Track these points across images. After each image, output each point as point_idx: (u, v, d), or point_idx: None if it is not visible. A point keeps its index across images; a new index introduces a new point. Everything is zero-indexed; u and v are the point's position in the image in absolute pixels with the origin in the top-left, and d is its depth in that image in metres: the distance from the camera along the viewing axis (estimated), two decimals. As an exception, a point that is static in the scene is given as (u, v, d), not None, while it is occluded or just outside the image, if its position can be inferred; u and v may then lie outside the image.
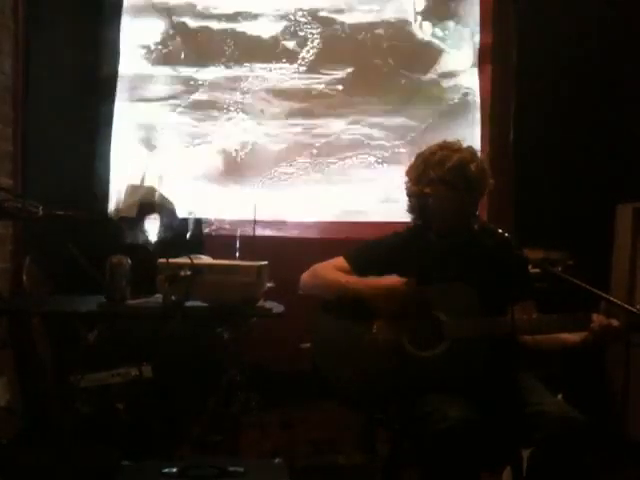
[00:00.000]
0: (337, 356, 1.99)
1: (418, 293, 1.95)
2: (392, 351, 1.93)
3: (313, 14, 3.60)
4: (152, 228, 2.89)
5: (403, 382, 1.92)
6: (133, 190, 3.30)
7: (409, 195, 2.08)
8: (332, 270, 2.04)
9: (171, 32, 3.59)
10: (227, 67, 3.60)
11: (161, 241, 2.87)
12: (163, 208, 3.10)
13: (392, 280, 1.94)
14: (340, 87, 3.60)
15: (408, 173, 2.09)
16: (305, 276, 2.09)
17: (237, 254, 2.81)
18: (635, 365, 2.95)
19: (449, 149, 2.02)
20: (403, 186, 2.10)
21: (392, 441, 2.04)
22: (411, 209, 2.09)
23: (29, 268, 2.63)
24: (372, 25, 3.60)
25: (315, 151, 3.61)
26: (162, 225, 2.91)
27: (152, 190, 3.31)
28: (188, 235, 3.15)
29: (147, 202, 3.09)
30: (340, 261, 2.06)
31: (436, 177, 1.98)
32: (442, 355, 1.91)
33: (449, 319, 1.92)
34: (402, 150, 3.58)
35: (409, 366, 1.92)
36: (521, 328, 1.88)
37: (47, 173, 3.17)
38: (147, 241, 2.87)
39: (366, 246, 2.12)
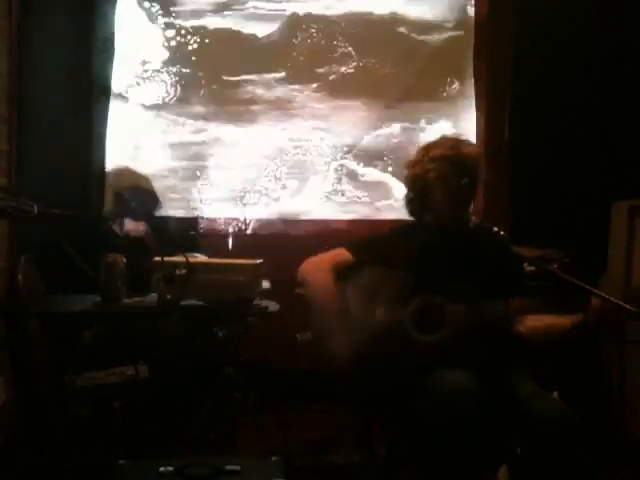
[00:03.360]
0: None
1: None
2: (396, 336, 1.96)
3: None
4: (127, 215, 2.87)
5: (406, 365, 1.94)
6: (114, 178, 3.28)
7: (408, 181, 2.12)
8: (325, 278, 2.04)
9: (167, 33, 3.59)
10: (226, 67, 3.59)
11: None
12: (136, 190, 3.04)
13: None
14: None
15: (408, 164, 2.14)
16: (301, 270, 2.10)
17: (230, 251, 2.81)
18: (631, 363, 2.95)
19: (447, 137, 2.13)
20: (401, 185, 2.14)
21: (389, 441, 2.04)
22: (409, 199, 2.13)
23: (24, 268, 2.61)
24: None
25: (312, 150, 3.61)
26: (137, 209, 2.88)
27: (125, 174, 3.28)
28: (184, 234, 3.14)
29: (119, 190, 3.03)
30: (342, 252, 2.08)
31: (437, 155, 2.05)
32: (445, 339, 1.93)
33: (450, 305, 1.95)
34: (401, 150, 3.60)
35: (413, 350, 1.95)
36: (520, 308, 1.91)
37: (42, 172, 3.16)
38: (138, 236, 2.86)
39: (368, 238, 2.17)
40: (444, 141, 2.11)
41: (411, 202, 2.14)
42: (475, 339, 1.93)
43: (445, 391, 1.80)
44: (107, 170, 3.44)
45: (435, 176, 2.04)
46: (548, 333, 2.00)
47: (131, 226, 2.89)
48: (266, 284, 2.48)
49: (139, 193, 3.00)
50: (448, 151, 2.05)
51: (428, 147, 2.11)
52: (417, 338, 1.96)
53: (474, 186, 2.07)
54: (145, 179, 3.30)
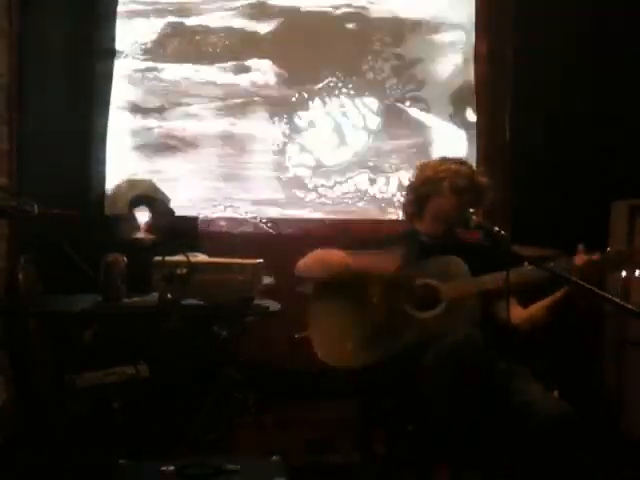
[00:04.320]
0: (339, 333, 2.05)
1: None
2: (395, 316, 2.01)
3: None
4: (144, 222, 2.86)
5: (406, 341, 1.98)
6: (130, 185, 3.27)
7: (417, 181, 2.19)
8: (334, 252, 2.11)
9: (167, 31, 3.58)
10: (222, 65, 3.59)
11: (157, 236, 2.85)
12: (155, 201, 3.05)
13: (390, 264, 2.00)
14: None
15: (421, 166, 2.22)
16: (304, 260, 2.15)
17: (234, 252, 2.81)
18: (630, 363, 2.95)
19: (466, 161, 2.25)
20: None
21: (390, 441, 2.05)
22: (408, 201, 2.21)
23: (24, 267, 2.61)
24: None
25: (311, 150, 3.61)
26: (155, 219, 2.88)
27: (145, 183, 3.28)
28: (183, 233, 3.14)
29: (138, 196, 3.04)
30: (336, 251, 2.13)
31: (455, 169, 2.14)
32: (441, 314, 1.99)
33: (443, 284, 2.02)
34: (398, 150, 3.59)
35: (412, 326, 2.00)
36: (512, 281, 1.91)
37: (43, 172, 3.16)
38: (140, 237, 2.85)
39: (364, 241, 2.24)
40: (464, 163, 2.21)
41: (409, 205, 2.21)
42: (472, 306, 2.00)
43: (447, 342, 1.85)
44: (125, 177, 3.42)
45: (449, 184, 2.11)
46: (534, 318, 2.06)
47: (141, 235, 2.89)
48: (268, 279, 2.49)
49: (159, 204, 3.02)
50: (467, 171, 2.15)
51: (446, 160, 2.19)
52: (416, 315, 2.01)
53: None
54: (163, 193, 3.30)
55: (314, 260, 2.14)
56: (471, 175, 2.14)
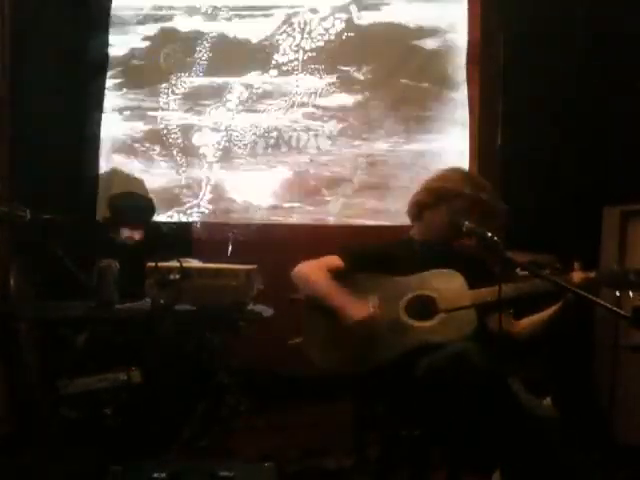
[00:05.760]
0: (333, 340, 2.04)
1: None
2: (392, 324, 2.01)
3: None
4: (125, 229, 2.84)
5: (402, 349, 1.98)
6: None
7: (431, 188, 2.17)
8: (319, 272, 2.10)
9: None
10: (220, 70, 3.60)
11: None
12: (130, 196, 3.02)
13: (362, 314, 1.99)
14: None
15: (440, 176, 2.20)
16: (297, 271, 2.14)
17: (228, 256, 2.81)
18: (624, 368, 2.95)
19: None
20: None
21: (382, 444, 2.05)
22: (416, 202, 2.20)
23: (16, 272, 2.60)
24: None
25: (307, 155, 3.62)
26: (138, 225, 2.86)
27: (118, 178, 3.26)
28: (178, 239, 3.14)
29: (116, 200, 3.01)
30: (333, 258, 2.13)
31: (475, 193, 2.12)
32: (438, 324, 1.99)
33: (441, 295, 2.03)
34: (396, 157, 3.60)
35: (409, 335, 2.00)
36: (507, 294, 1.95)
37: (35, 177, 3.15)
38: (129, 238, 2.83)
39: (360, 247, 2.23)
40: (488, 185, 2.18)
41: (413, 206, 2.20)
42: (469, 315, 1.99)
43: (441, 356, 1.85)
44: (100, 174, 3.42)
45: (451, 211, 2.09)
46: (532, 330, 2.08)
47: (128, 233, 2.87)
48: (268, 311, 2.49)
49: (133, 198, 2.98)
50: (488, 198, 2.13)
51: (468, 179, 2.15)
52: (413, 325, 2.01)
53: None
54: (139, 182, 3.28)
55: (300, 276, 2.12)
56: (480, 204, 2.12)
